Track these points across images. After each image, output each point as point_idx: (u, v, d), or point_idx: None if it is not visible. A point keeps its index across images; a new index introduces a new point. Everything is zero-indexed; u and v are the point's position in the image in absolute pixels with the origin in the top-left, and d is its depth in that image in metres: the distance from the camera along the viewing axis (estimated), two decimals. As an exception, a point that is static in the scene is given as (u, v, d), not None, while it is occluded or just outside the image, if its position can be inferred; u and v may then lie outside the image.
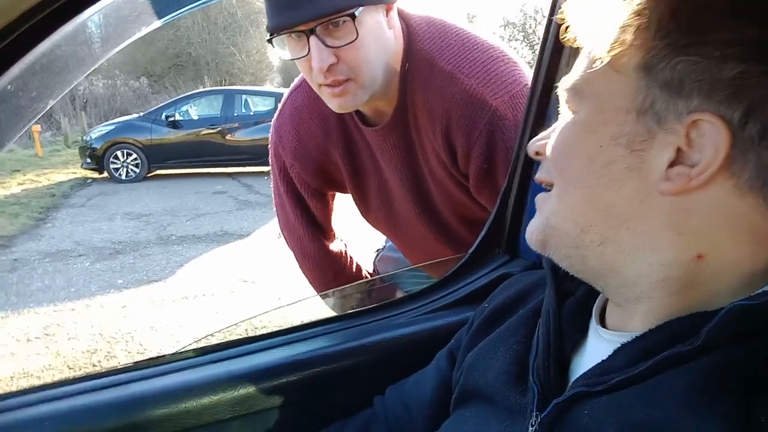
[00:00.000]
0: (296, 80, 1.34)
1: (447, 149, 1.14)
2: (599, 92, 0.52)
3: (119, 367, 0.87)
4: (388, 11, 1.09)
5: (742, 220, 0.48)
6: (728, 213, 0.48)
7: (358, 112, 1.22)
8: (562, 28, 0.55)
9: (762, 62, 0.45)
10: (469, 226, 1.26)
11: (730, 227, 0.49)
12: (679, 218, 0.49)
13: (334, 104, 1.11)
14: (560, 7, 0.55)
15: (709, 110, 0.46)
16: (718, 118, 0.46)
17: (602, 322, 0.59)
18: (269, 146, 1.41)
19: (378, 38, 1.07)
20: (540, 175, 0.60)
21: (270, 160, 1.43)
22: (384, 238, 1.67)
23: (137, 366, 0.87)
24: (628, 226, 0.52)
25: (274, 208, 1.50)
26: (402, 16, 1.16)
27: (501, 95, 1.09)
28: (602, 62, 0.51)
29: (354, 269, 1.54)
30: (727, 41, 0.46)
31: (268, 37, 1.07)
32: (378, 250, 1.70)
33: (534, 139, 0.62)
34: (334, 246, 1.49)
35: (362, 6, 1.02)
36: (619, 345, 0.52)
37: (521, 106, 1.08)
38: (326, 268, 1.48)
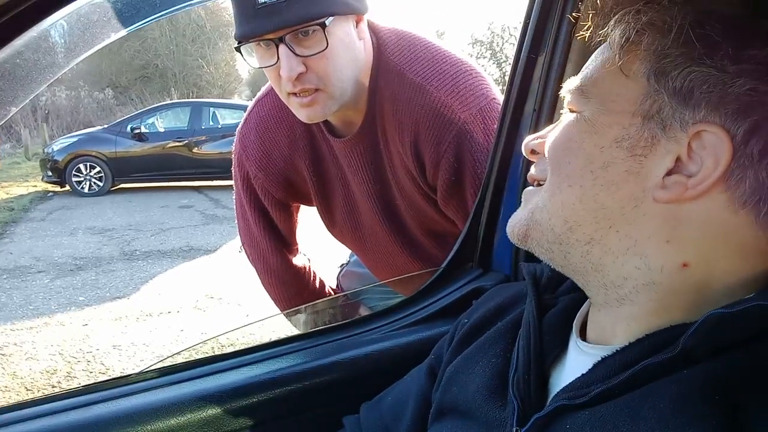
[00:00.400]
0: (263, 90, 1.33)
1: (415, 161, 1.15)
2: (606, 94, 0.53)
3: (79, 388, 0.83)
4: (358, 22, 1.09)
5: (732, 234, 0.49)
6: (718, 226, 0.49)
7: (326, 122, 1.22)
8: (579, 24, 0.56)
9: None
10: (436, 240, 1.26)
11: (718, 240, 0.49)
12: (669, 226, 0.50)
13: (303, 114, 1.10)
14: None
15: (715, 122, 0.47)
16: (723, 131, 0.47)
17: (583, 336, 0.59)
18: (233, 156, 1.39)
19: (348, 49, 1.07)
20: (533, 173, 0.60)
21: (233, 171, 1.40)
22: (348, 253, 1.65)
23: (99, 387, 0.84)
24: (618, 228, 0.52)
25: (236, 221, 1.47)
26: (372, 28, 1.17)
27: (469, 108, 1.10)
28: (614, 64, 0.52)
29: (318, 285, 1.52)
30: (742, 57, 0.46)
31: (236, 45, 1.06)
32: (342, 265, 1.68)
33: (529, 137, 0.61)
34: (298, 261, 1.47)
35: (332, 16, 1.02)
36: (599, 359, 0.52)
37: (489, 119, 1.10)
38: (289, 283, 1.45)
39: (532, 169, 0.61)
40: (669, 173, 0.49)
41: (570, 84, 0.57)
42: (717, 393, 0.44)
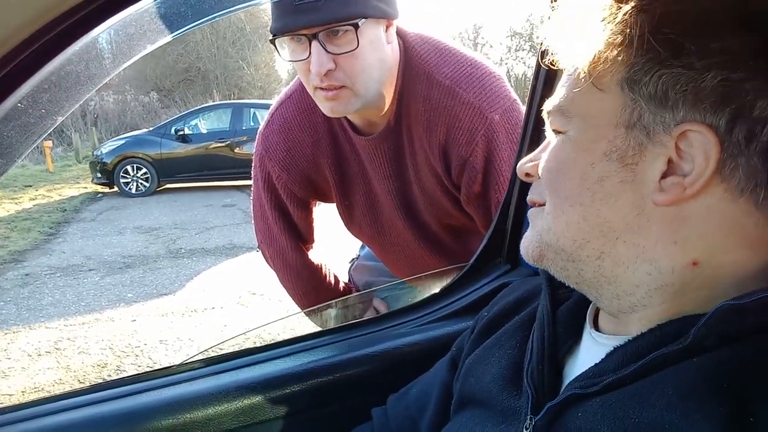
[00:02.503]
0: (284, 92, 1.37)
1: (442, 160, 1.18)
2: (586, 111, 0.54)
3: (126, 378, 0.88)
4: (388, 27, 1.13)
5: (734, 224, 0.50)
6: (721, 218, 0.49)
7: (349, 121, 1.25)
8: (541, 52, 0.57)
9: (742, 70, 0.47)
10: (453, 234, 1.29)
11: (723, 232, 0.50)
12: (674, 227, 0.50)
13: (327, 107, 1.14)
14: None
15: (696, 120, 0.48)
16: (706, 127, 0.47)
17: (596, 326, 0.60)
18: (254, 156, 1.42)
19: (376, 51, 1.11)
20: (531, 197, 0.61)
21: (253, 172, 1.44)
22: (358, 246, 1.69)
23: (144, 377, 0.89)
24: (624, 239, 0.52)
25: (253, 221, 1.51)
26: (399, 33, 1.20)
27: (496, 109, 1.13)
28: (585, 81, 0.52)
29: (333, 281, 1.56)
30: (707, 51, 0.47)
31: (271, 38, 1.11)
32: (353, 259, 1.71)
33: (522, 161, 0.63)
34: (315, 257, 1.51)
35: (365, 18, 1.06)
36: (612, 348, 0.53)
37: (513, 119, 1.14)
38: (306, 279, 1.49)
39: (530, 193, 0.62)
40: (664, 176, 0.50)
41: (548, 105, 0.58)
42: (725, 381, 0.44)
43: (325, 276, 1.53)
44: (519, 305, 0.77)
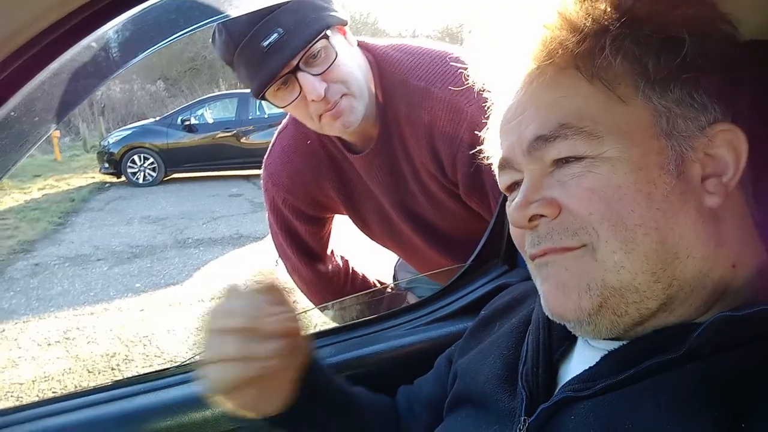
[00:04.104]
0: (282, 122, 1.41)
1: (434, 160, 1.19)
2: (616, 127, 0.50)
3: (123, 380, 0.89)
4: (344, 33, 1.15)
5: (746, 222, 0.51)
6: (740, 217, 0.51)
7: (344, 141, 1.28)
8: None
9: (736, 71, 0.50)
10: (468, 236, 1.28)
11: (742, 231, 0.51)
12: (719, 230, 0.50)
13: (338, 126, 1.15)
14: None
15: (725, 119, 0.49)
16: (734, 125, 0.49)
17: None
18: (261, 181, 1.47)
19: (349, 55, 1.14)
20: (565, 242, 0.51)
21: (263, 195, 1.48)
22: None
23: (143, 379, 0.90)
24: (695, 254, 0.50)
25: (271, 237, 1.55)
26: (366, 48, 1.23)
27: (474, 101, 1.12)
28: (606, 96, 0.50)
29: (359, 283, 1.58)
30: (715, 57, 0.49)
31: (259, 97, 1.13)
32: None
33: (519, 205, 0.53)
34: (332, 268, 1.54)
35: (329, 27, 1.09)
36: (606, 352, 0.53)
37: None
38: (323, 291, 1.53)
39: (551, 241, 0.52)
40: (702, 180, 0.50)
41: (540, 131, 0.52)
42: (716, 388, 0.45)
43: (347, 282, 1.56)
44: (512, 307, 0.77)
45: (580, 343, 0.60)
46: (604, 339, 0.54)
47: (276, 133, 1.42)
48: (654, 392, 0.48)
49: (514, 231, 0.57)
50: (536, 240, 0.53)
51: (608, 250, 0.49)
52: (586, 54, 0.50)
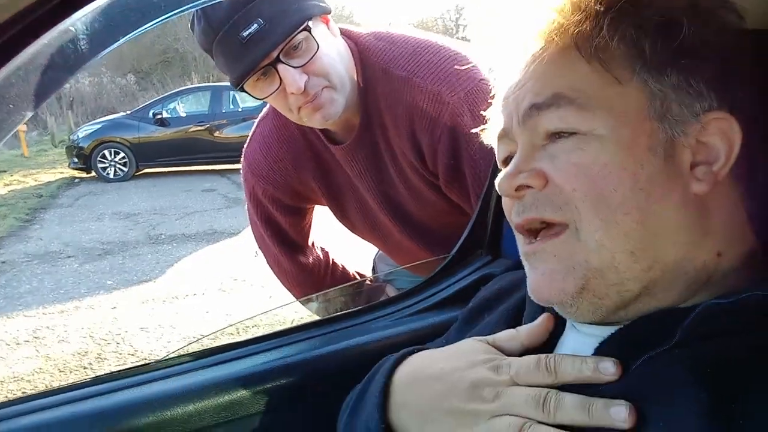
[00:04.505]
0: (263, 111, 1.39)
1: (414, 150, 1.18)
2: (609, 104, 0.50)
3: (102, 375, 0.87)
4: (327, 22, 1.14)
5: (736, 212, 0.51)
6: (729, 206, 0.51)
7: (325, 131, 1.26)
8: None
9: (732, 63, 0.50)
10: (449, 229, 1.28)
11: (731, 221, 0.51)
12: (705, 218, 0.51)
13: (318, 118, 1.13)
14: None
15: (721, 108, 0.49)
16: (730, 114, 0.49)
17: None
18: (241, 171, 1.45)
19: (331, 45, 1.12)
20: (547, 214, 0.52)
21: (243, 185, 1.46)
22: None
23: (121, 374, 0.87)
24: (673, 239, 0.50)
25: (251, 228, 1.53)
26: (349, 36, 1.21)
27: (457, 93, 1.12)
28: (601, 73, 0.51)
29: (339, 275, 1.57)
30: (711, 44, 0.49)
31: (238, 88, 1.11)
32: None
33: (508, 175, 0.54)
34: (312, 259, 1.52)
35: (310, 18, 1.06)
36: (598, 343, 0.53)
37: (478, 100, 1.11)
38: (304, 283, 1.51)
39: (535, 211, 0.53)
40: (692, 166, 0.50)
41: (537, 98, 0.53)
42: (705, 374, 0.45)
43: (327, 273, 1.55)
44: (500, 296, 0.77)
45: (569, 328, 0.61)
46: (588, 323, 0.55)
47: (256, 121, 1.40)
48: (646, 379, 0.48)
49: (504, 201, 0.58)
50: (521, 209, 0.55)
51: (590, 229, 0.50)
52: (585, 34, 0.51)
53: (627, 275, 0.50)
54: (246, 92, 1.14)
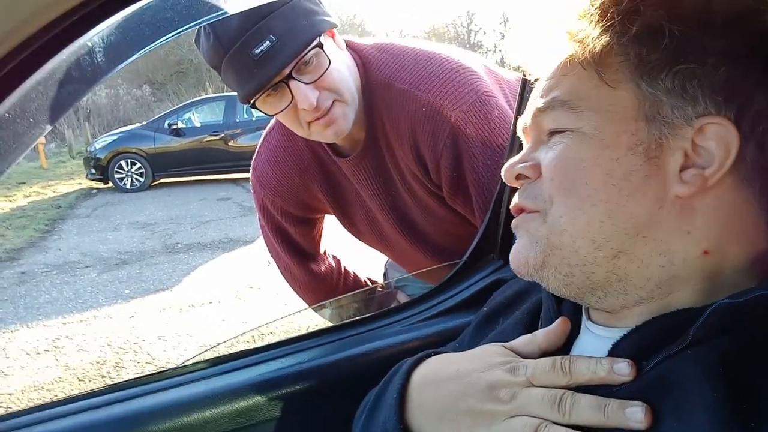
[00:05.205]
0: (270, 124, 1.39)
1: (418, 164, 1.19)
2: (599, 104, 0.53)
3: (120, 383, 0.88)
4: (332, 36, 1.14)
5: (738, 214, 0.51)
6: (729, 208, 0.51)
7: (331, 144, 1.27)
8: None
9: (742, 66, 0.49)
10: (456, 240, 1.29)
11: (731, 222, 0.51)
12: (688, 217, 0.51)
13: (330, 134, 1.14)
14: None
15: (716, 113, 0.50)
16: (726, 119, 0.49)
17: (589, 317, 0.61)
18: (250, 184, 1.46)
19: (340, 58, 1.13)
20: (522, 203, 0.58)
21: (252, 196, 1.48)
22: None
23: (139, 381, 0.89)
24: (644, 234, 0.52)
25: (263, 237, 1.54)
26: (353, 48, 1.21)
27: (460, 106, 1.12)
28: (596, 78, 0.53)
29: (350, 282, 1.58)
30: (716, 48, 0.49)
31: (249, 104, 1.11)
32: None
33: (510, 164, 0.60)
34: (324, 267, 1.53)
35: (321, 34, 1.07)
36: (611, 345, 0.54)
37: (481, 113, 1.12)
38: (317, 290, 1.52)
39: (520, 199, 0.59)
40: (682, 169, 0.51)
41: (540, 101, 0.57)
42: (719, 373, 0.45)
43: (339, 281, 1.56)
44: (516, 300, 0.77)
45: (584, 331, 0.61)
46: (563, 296, 0.59)
47: (263, 134, 1.41)
48: (659, 378, 0.49)
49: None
50: (517, 197, 0.60)
51: (557, 215, 0.54)
52: (583, 42, 0.53)
53: (589, 259, 0.53)
54: (256, 108, 1.14)
